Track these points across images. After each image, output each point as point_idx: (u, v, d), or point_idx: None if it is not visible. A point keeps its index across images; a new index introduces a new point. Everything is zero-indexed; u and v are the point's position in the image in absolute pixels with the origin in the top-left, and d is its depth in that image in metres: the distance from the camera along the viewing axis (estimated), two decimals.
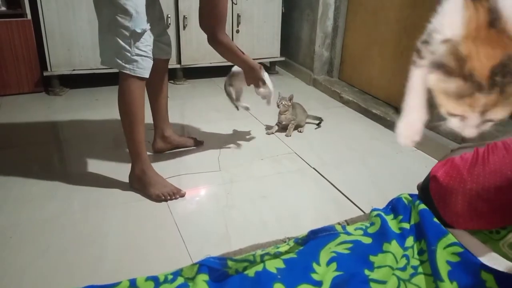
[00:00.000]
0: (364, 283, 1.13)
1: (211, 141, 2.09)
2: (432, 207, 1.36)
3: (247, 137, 2.18)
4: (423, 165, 1.96)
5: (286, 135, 2.21)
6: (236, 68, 1.97)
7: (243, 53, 1.86)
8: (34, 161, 1.86)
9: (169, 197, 1.60)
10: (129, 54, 1.48)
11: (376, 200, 1.65)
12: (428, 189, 1.39)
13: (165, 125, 1.92)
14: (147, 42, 1.51)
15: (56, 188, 1.65)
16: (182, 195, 1.63)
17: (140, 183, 1.63)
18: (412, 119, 0.82)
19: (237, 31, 2.99)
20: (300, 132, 2.27)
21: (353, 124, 2.43)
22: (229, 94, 2.02)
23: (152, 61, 1.56)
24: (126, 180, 1.68)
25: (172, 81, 2.97)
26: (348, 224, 1.44)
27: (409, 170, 1.93)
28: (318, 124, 2.35)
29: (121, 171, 1.73)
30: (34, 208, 1.52)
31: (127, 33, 1.46)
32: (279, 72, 3.37)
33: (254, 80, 1.93)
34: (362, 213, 1.56)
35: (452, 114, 0.68)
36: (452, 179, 1.31)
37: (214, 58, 3.00)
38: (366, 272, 1.17)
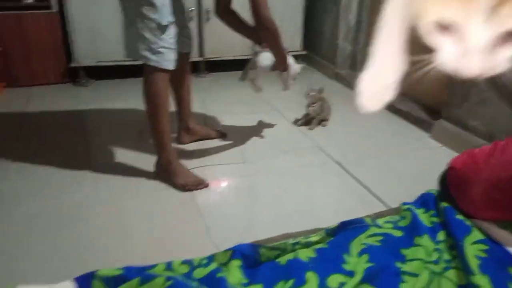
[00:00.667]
0: (396, 275, 1.12)
1: (235, 134, 2.10)
2: (449, 196, 1.34)
3: (270, 130, 2.17)
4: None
5: (310, 128, 2.21)
6: (261, 53, 1.88)
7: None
8: (62, 150, 1.90)
9: (193, 188, 1.62)
10: (154, 47, 1.49)
11: (400, 195, 1.63)
12: (445, 179, 1.38)
13: (189, 117, 1.94)
14: (172, 34, 1.52)
15: (82, 176, 1.69)
16: (206, 186, 1.65)
17: (166, 173, 1.65)
18: (380, 70, 0.57)
19: None
20: (324, 126, 2.27)
21: (377, 119, 2.40)
22: (249, 76, 2.02)
23: (176, 54, 1.57)
24: (151, 170, 1.70)
25: (195, 74, 2.99)
26: (377, 217, 1.44)
27: (435, 167, 1.88)
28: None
29: (146, 161, 1.75)
30: (62, 196, 1.56)
31: (153, 26, 1.47)
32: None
33: (282, 66, 1.90)
34: (385, 207, 1.55)
35: (444, 24, 0.45)
36: (469, 169, 1.29)
37: (237, 51, 3.01)
38: (398, 264, 1.17)
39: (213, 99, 2.63)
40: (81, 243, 1.32)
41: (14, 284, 1.11)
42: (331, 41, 3.05)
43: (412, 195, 1.62)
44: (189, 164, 1.73)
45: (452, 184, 1.36)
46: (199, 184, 1.63)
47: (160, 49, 1.50)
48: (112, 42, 2.63)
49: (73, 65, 2.63)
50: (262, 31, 1.72)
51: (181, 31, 1.70)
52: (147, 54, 1.50)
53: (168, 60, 1.53)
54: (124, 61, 2.67)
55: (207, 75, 3.02)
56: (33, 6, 2.51)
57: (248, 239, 1.33)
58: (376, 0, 2.77)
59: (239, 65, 3.16)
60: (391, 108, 2.47)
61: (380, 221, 1.38)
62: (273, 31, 1.71)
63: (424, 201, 1.46)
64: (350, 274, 1.14)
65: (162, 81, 1.57)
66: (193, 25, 2.81)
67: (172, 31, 1.52)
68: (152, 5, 1.44)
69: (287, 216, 1.50)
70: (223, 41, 2.91)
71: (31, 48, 2.55)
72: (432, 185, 1.63)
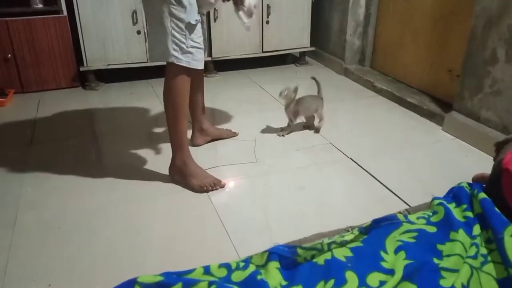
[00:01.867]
0: (434, 271, 1.13)
1: (246, 133, 2.10)
2: (502, 200, 1.32)
3: (281, 128, 2.17)
4: (463, 154, 1.92)
5: (278, 135, 2.08)
6: None
7: None
8: (75, 155, 1.92)
9: (210, 188, 1.62)
10: (184, 46, 1.49)
11: (416, 190, 1.63)
12: (498, 183, 1.35)
13: (202, 118, 1.94)
14: (200, 33, 1.53)
15: (97, 180, 1.70)
16: (222, 186, 1.65)
17: (181, 175, 1.65)
18: None
19: (267, 22, 2.98)
20: (315, 130, 2.12)
21: (388, 114, 2.40)
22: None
23: (203, 53, 1.57)
24: (166, 172, 1.70)
25: (204, 74, 2.99)
26: (409, 213, 1.44)
27: (449, 160, 1.89)
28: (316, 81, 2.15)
29: (160, 163, 1.76)
30: (78, 200, 1.57)
31: (182, 25, 1.47)
32: (309, 62, 3.34)
33: None
34: (402, 202, 1.55)
35: None
36: None
37: (244, 50, 3.01)
38: (435, 260, 1.17)
39: (222, 99, 2.63)
40: (100, 247, 1.33)
41: None
42: (339, 37, 3.04)
43: (427, 189, 1.62)
44: (203, 165, 1.73)
45: (507, 189, 1.32)
46: (216, 184, 1.63)
47: (190, 49, 1.51)
48: (121, 45, 2.64)
49: (83, 69, 2.65)
50: None
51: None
52: (177, 54, 1.50)
53: (198, 59, 1.54)
54: (133, 63, 2.68)
55: (215, 74, 3.02)
56: (42, 11, 2.52)
57: (266, 239, 1.33)
58: None
59: (246, 64, 3.17)
60: (402, 101, 2.46)
61: (412, 217, 1.38)
62: None
63: (455, 195, 1.46)
64: (390, 272, 1.15)
65: (187, 81, 1.57)
66: None
67: (200, 30, 1.52)
68: (181, 4, 1.44)
69: (305, 215, 1.49)
70: (231, 41, 2.91)
71: (41, 53, 2.56)
72: (447, 179, 1.63)
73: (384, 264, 1.18)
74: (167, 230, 1.42)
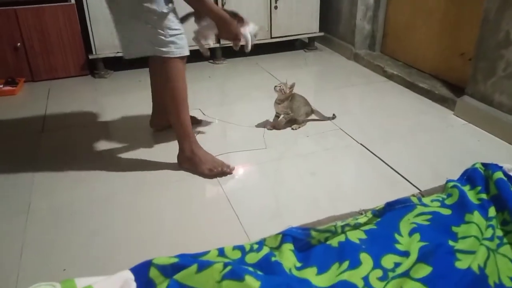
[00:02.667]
0: (450, 253, 1.13)
1: (254, 119, 2.09)
2: None
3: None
4: (475, 139, 1.90)
5: (269, 128, 2.01)
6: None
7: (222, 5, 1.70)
8: (85, 142, 1.92)
9: (220, 172, 1.62)
10: (163, 37, 1.47)
11: (428, 175, 1.62)
12: None
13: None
14: (176, 19, 1.50)
15: (108, 168, 1.71)
16: (232, 169, 1.64)
17: (190, 163, 1.65)
18: None
19: (275, 7, 2.94)
20: (294, 129, 2.00)
21: (399, 99, 2.37)
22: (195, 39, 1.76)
23: (185, 38, 1.53)
24: (175, 160, 1.71)
25: (212, 61, 2.98)
26: (423, 196, 1.44)
27: (461, 144, 1.87)
28: (332, 117, 2.08)
29: (170, 150, 1.76)
30: (88, 187, 1.58)
31: (155, 17, 1.44)
32: (319, 48, 3.30)
33: (228, 35, 1.66)
34: (413, 187, 1.54)
35: None
36: None
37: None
38: (451, 242, 1.17)
39: (231, 85, 2.62)
40: (112, 232, 1.35)
41: (65, 274, 1.14)
42: (349, 21, 3.00)
43: (438, 174, 1.60)
44: (212, 151, 1.73)
45: None
46: (226, 168, 1.63)
47: (170, 38, 1.48)
48: None
49: (92, 57, 2.65)
50: None
51: None
52: (158, 47, 1.48)
53: (181, 46, 1.51)
54: None
55: (223, 61, 3.00)
56: None
57: (278, 224, 1.33)
58: None
59: (255, 51, 3.13)
60: (413, 86, 2.43)
61: (426, 200, 1.38)
62: None
63: (469, 177, 1.45)
64: (405, 254, 1.15)
65: (180, 70, 1.54)
66: None
67: (175, 16, 1.50)
68: None
69: (316, 200, 1.49)
70: None
71: (50, 42, 2.57)
72: (460, 163, 1.61)
73: (398, 246, 1.18)
74: (179, 216, 1.43)
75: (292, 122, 2.03)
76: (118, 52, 2.65)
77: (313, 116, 2.07)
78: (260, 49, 3.10)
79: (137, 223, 1.40)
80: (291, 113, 1.98)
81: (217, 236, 1.31)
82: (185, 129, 1.63)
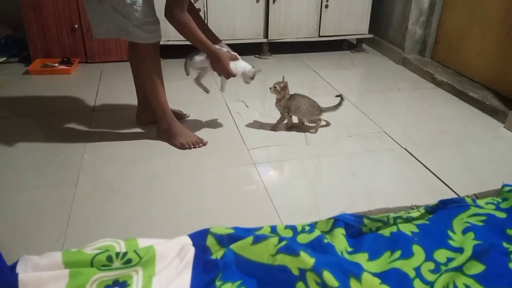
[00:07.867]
0: (504, 254, 1.12)
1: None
2: None
3: (333, 113, 2.15)
4: None
5: (272, 129, 1.97)
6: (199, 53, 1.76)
7: (217, 38, 1.77)
8: (133, 124, 1.98)
9: (192, 146, 1.74)
10: (129, 24, 1.56)
11: (471, 184, 1.58)
12: None
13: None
14: (143, 7, 1.56)
15: (152, 149, 1.77)
16: (205, 144, 1.76)
17: (167, 135, 1.79)
18: None
19: (326, 6, 2.93)
20: (312, 133, 1.95)
21: (447, 107, 2.31)
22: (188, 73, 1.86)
23: (156, 24, 1.63)
24: (217, 147, 1.75)
25: (258, 56, 3.00)
26: (477, 198, 1.43)
27: (509, 158, 1.80)
28: (340, 100, 1.98)
29: (212, 134, 1.79)
30: (137, 167, 1.65)
31: (122, 4, 1.53)
32: (366, 50, 3.26)
33: (220, 70, 1.74)
34: (455, 196, 1.50)
35: None
36: None
37: (301, 33, 2.99)
38: (505, 244, 1.16)
39: (275, 81, 2.62)
40: (155, 209, 1.40)
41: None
42: (401, 24, 2.94)
43: (485, 185, 1.55)
44: (251, 144, 1.76)
45: None
46: (198, 143, 1.75)
47: (135, 25, 1.57)
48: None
49: None
50: (175, 27, 1.63)
51: None
52: (122, 32, 1.59)
53: (149, 33, 1.61)
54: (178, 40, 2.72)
55: (270, 56, 3.02)
56: None
57: (314, 219, 1.34)
58: None
59: (301, 48, 3.14)
60: (463, 95, 2.36)
61: (481, 202, 1.37)
62: (185, 27, 1.62)
63: None
64: (458, 250, 1.15)
65: (153, 55, 1.67)
66: (259, 6, 2.81)
67: (142, 4, 1.56)
68: None
69: (354, 199, 1.49)
70: (288, 23, 2.89)
71: None
72: (507, 177, 1.56)
73: (451, 243, 1.19)
74: (217, 202, 1.46)
75: (300, 124, 2.00)
76: (168, 41, 2.71)
77: (325, 115, 2.00)
78: (307, 47, 3.10)
79: (179, 201, 1.45)
80: (286, 114, 1.93)
81: (254, 223, 1.33)
82: (162, 107, 1.77)
